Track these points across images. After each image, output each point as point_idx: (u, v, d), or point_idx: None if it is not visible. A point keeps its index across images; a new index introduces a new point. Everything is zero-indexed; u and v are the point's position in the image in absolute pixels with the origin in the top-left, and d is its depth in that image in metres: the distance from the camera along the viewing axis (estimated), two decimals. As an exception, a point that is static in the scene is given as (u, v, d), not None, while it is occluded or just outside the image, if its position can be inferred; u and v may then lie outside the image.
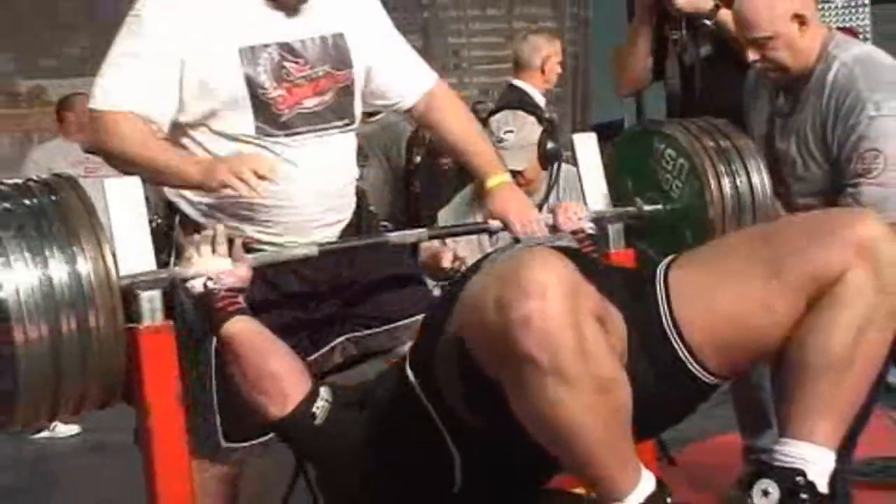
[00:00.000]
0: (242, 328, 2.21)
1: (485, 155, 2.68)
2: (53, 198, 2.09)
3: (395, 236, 2.51)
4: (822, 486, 1.91)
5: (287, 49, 2.41)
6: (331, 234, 2.52)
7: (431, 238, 2.57)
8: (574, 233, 2.59)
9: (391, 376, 2.23)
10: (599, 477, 1.84)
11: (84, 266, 2.03)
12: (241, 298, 2.25)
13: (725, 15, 3.08)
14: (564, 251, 2.21)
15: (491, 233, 2.69)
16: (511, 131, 3.57)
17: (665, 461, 3.60)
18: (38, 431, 5.19)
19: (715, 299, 2.01)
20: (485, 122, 3.58)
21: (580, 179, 2.78)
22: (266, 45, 2.39)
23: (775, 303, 1.96)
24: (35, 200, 2.08)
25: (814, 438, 1.92)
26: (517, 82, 4.63)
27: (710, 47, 3.20)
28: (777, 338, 2.00)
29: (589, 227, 2.61)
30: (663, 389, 2.01)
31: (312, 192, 2.46)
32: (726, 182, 2.71)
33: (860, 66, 2.66)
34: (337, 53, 2.47)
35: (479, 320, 1.81)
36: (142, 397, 2.17)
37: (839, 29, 5.08)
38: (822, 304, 1.92)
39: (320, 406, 2.16)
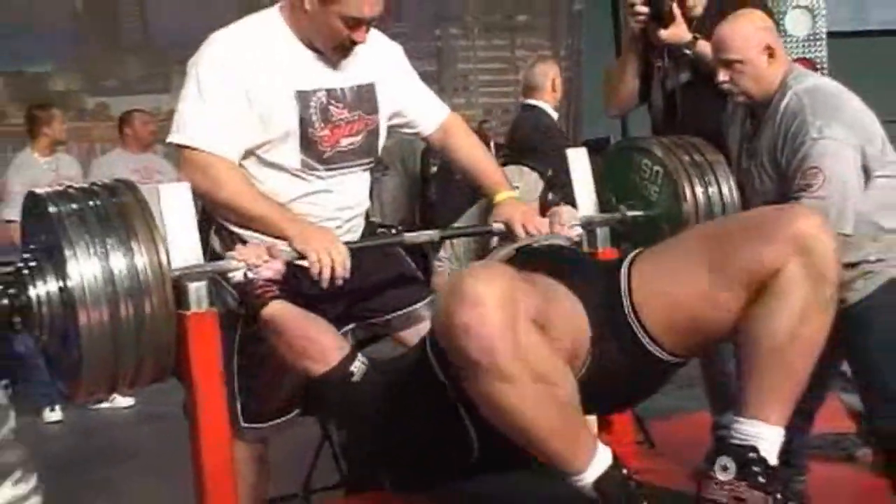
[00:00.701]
0: (281, 307, 2.21)
1: (492, 175, 2.68)
2: (114, 200, 2.09)
3: (410, 236, 2.51)
4: (773, 460, 1.91)
5: (332, 94, 2.44)
6: (352, 240, 2.53)
7: (443, 238, 2.56)
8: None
9: (416, 351, 2.22)
10: (555, 458, 1.85)
11: (140, 259, 2.04)
12: (276, 288, 2.25)
13: (703, 46, 3.07)
14: (551, 249, 2.23)
15: (495, 234, 2.67)
16: (517, 186, 3.44)
17: (647, 444, 3.59)
18: (99, 402, 5.20)
19: (668, 290, 2.03)
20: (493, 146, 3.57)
21: (573, 188, 2.78)
22: (316, 91, 2.42)
23: (720, 293, 1.97)
24: (99, 202, 2.08)
25: (764, 417, 1.92)
26: (532, 101, 4.62)
27: (690, 74, 3.18)
28: (723, 323, 2.00)
29: (576, 235, 2.61)
30: (628, 368, 2.03)
31: (338, 214, 2.51)
32: (699, 191, 2.73)
33: (808, 96, 2.66)
34: (368, 101, 2.51)
35: (435, 327, 1.84)
36: (189, 374, 2.17)
37: (800, 60, 5.08)
38: (765, 294, 1.92)
39: (358, 366, 2.16)
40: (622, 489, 1.84)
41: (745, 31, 2.74)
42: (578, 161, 2.78)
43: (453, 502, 2.23)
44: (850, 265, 2.67)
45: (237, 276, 2.23)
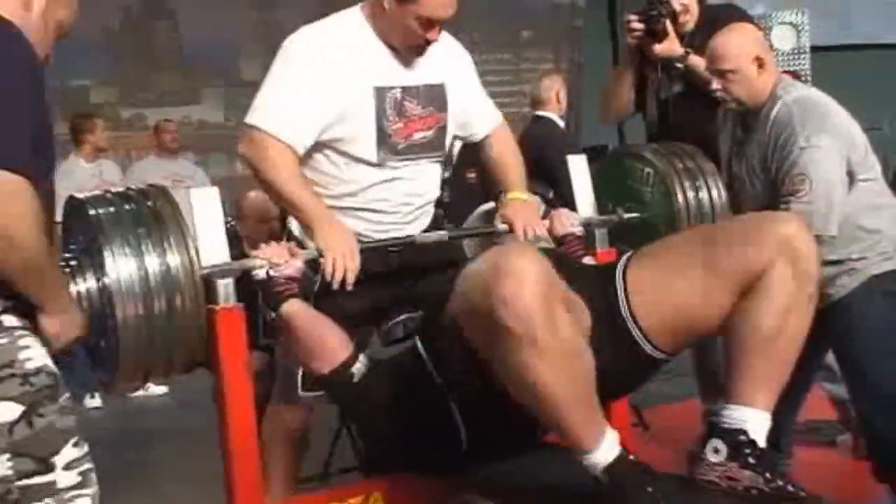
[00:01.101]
0: (297, 308, 2.22)
1: (512, 174, 2.67)
2: (149, 203, 2.10)
3: (420, 236, 2.48)
4: (761, 442, 1.93)
5: (407, 91, 2.43)
6: (419, 228, 2.54)
7: (451, 238, 2.53)
8: (566, 236, 2.58)
9: (410, 349, 2.24)
10: (569, 431, 1.86)
11: (172, 258, 2.04)
12: (296, 286, 2.25)
13: (694, 59, 3.08)
14: (546, 251, 2.22)
15: (498, 234, 2.64)
16: None
17: (641, 427, 3.59)
18: (135, 391, 5.20)
19: (664, 292, 2.04)
20: None
21: (573, 192, 2.78)
22: (392, 87, 2.41)
23: (712, 294, 2.00)
24: (134, 205, 2.09)
25: (752, 403, 1.95)
26: (540, 113, 4.64)
27: (682, 85, 3.19)
28: (714, 321, 2.03)
29: (578, 231, 2.61)
30: (623, 363, 2.04)
31: (410, 200, 2.50)
32: (691, 195, 2.73)
33: (797, 106, 2.66)
34: (438, 99, 2.50)
35: (469, 301, 1.84)
36: (217, 364, 2.17)
37: (785, 73, 5.07)
38: (753, 292, 1.96)
39: (358, 368, 2.18)
40: (633, 474, 1.84)
41: (738, 43, 2.74)
42: (578, 167, 2.78)
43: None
44: (835, 262, 2.68)
45: (260, 273, 2.23)
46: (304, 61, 2.37)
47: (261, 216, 3.29)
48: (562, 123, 4.65)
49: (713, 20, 3.06)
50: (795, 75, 5.32)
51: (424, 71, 2.47)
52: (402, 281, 2.50)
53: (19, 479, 1.50)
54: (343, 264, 2.27)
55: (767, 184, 2.72)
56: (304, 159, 2.41)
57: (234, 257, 2.29)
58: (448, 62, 2.54)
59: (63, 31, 1.77)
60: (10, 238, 1.50)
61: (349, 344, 2.22)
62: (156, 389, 5.26)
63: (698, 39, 3.09)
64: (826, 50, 6.50)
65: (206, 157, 7.55)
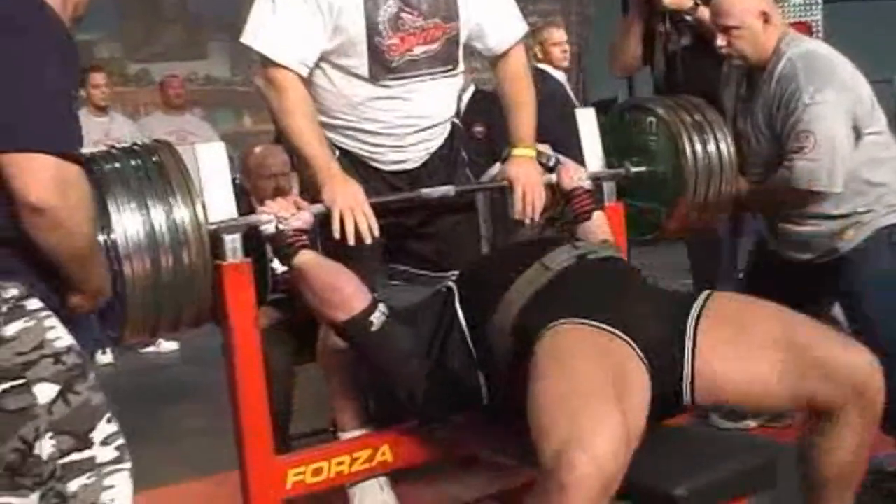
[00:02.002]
0: (309, 258, 2.21)
1: (523, 127, 2.56)
2: (154, 159, 2.08)
3: (425, 191, 2.44)
4: None
5: (406, 2, 2.31)
6: (419, 156, 2.46)
7: (457, 193, 2.50)
8: (574, 189, 2.55)
9: (439, 303, 2.23)
10: None
11: (179, 214, 2.04)
12: (306, 238, 2.24)
13: (703, 11, 3.04)
14: (608, 266, 2.20)
15: (503, 190, 2.59)
16: None
17: None
18: (146, 346, 5.24)
19: (732, 375, 2.02)
20: None
21: (569, 153, 2.76)
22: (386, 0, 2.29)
23: (777, 398, 2.03)
24: (140, 161, 2.08)
25: None
26: (538, 66, 4.55)
27: (690, 38, 3.16)
28: (764, 410, 2.23)
29: (587, 185, 2.57)
30: (654, 414, 1.97)
31: (411, 122, 2.39)
32: (699, 148, 2.70)
33: (802, 62, 2.63)
34: (446, 7, 2.36)
35: (537, 442, 1.76)
36: (226, 320, 2.18)
37: (795, 23, 5.02)
38: (825, 429, 2.01)
39: (377, 317, 2.16)
40: None
41: None
42: (587, 120, 2.76)
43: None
44: (842, 216, 2.68)
45: (269, 228, 2.22)
46: None
47: (266, 171, 3.28)
48: (561, 77, 4.55)
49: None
50: (806, 26, 5.29)
51: None
52: (411, 216, 2.46)
53: (61, 456, 1.52)
54: (352, 218, 2.23)
55: (772, 140, 2.70)
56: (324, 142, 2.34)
57: (242, 213, 2.29)
58: None
59: (79, 12, 1.76)
60: (66, 228, 1.52)
61: (367, 292, 2.20)
62: (167, 346, 5.30)
63: (708, -8, 3.06)
64: (839, 0, 6.43)
65: (213, 112, 7.53)
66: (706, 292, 2.12)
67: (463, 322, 2.17)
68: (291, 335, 2.90)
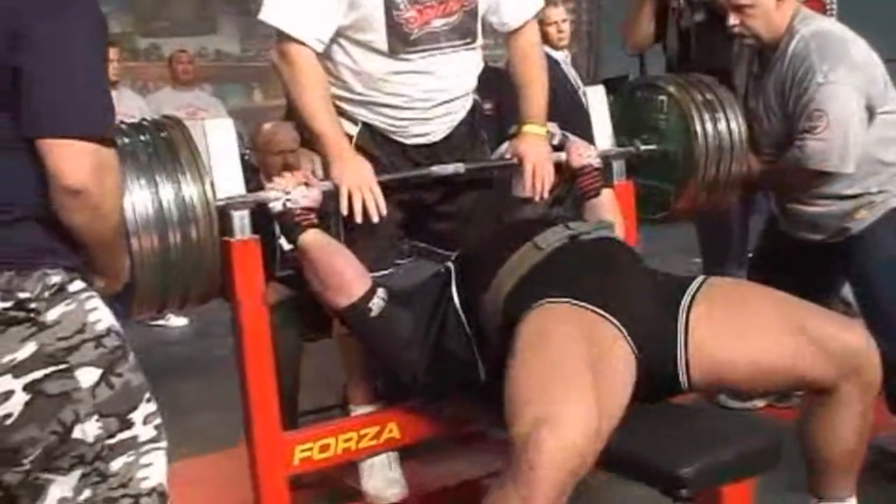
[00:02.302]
0: (314, 239, 2.21)
1: (534, 105, 2.55)
2: (163, 135, 2.09)
3: (436, 169, 2.42)
4: None
5: None
6: (442, 129, 2.43)
7: (467, 170, 2.49)
8: (583, 167, 2.54)
9: (437, 284, 2.24)
10: None
11: (187, 190, 2.04)
12: (313, 216, 2.24)
13: (718, -14, 3.03)
14: (602, 245, 2.18)
15: (511, 167, 2.57)
16: None
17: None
18: (155, 321, 5.25)
19: (728, 356, 2.02)
20: None
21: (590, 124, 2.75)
22: None
23: (773, 376, 2.05)
24: (148, 137, 2.08)
25: (844, 496, 2.12)
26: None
27: (703, 15, 3.13)
28: (756, 390, 2.29)
29: (596, 163, 2.56)
30: (649, 396, 1.98)
31: (431, 96, 2.37)
32: (709, 127, 2.69)
33: (815, 41, 2.61)
34: None
35: (509, 421, 1.78)
36: (234, 296, 2.19)
37: (809, 0, 4.97)
38: (825, 407, 2.04)
39: (376, 303, 2.18)
40: None
41: None
42: (596, 97, 2.75)
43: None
44: (854, 196, 2.67)
45: (276, 206, 2.22)
46: None
47: (275, 148, 3.28)
48: (560, 56, 4.45)
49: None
50: (821, 4, 5.24)
51: None
52: (431, 193, 2.46)
53: (108, 437, 1.54)
54: (360, 196, 2.24)
55: (784, 120, 2.69)
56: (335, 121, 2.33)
57: (251, 189, 2.29)
58: None
59: None
60: (98, 212, 1.52)
61: (367, 277, 2.21)
62: (176, 321, 5.31)
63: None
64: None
65: (223, 88, 7.51)
66: (702, 276, 2.12)
67: (457, 302, 2.18)
68: (300, 311, 2.90)
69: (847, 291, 2.98)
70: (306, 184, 2.25)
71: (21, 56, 1.45)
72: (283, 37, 2.28)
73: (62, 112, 1.48)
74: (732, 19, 2.71)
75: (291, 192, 2.22)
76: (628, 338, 1.94)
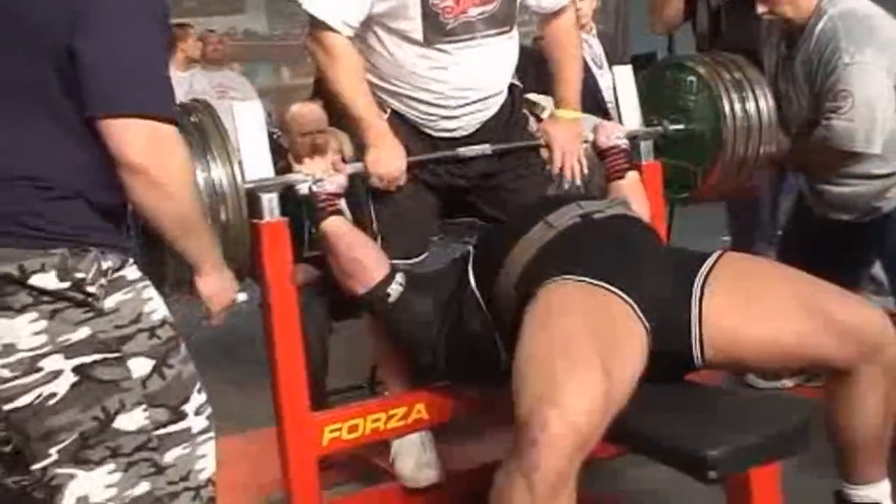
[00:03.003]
0: (336, 225, 2.24)
1: (569, 89, 2.54)
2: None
3: (462, 150, 2.41)
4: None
5: None
6: (470, 124, 2.42)
7: (494, 152, 2.48)
8: (611, 148, 2.53)
9: (456, 268, 2.25)
10: None
11: (217, 173, 2.05)
12: (338, 201, 2.25)
13: (748, -34, 2.99)
14: (614, 223, 2.16)
15: (539, 148, 2.55)
16: None
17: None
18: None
19: (742, 334, 1.99)
20: None
21: (617, 104, 2.73)
22: None
23: (788, 354, 2.00)
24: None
25: (875, 479, 2.07)
26: None
27: (734, -6, 3.10)
28: (775, 367, 2.25)
29: (623, 144, 2.54)
30: (664, 373, 1.96)
31: (464, 96, 2.36)
32: (738, 106, 2.66)
33: (842, 21, 2.58)
34: None
35: (515, 398, 1.76)
36: (263, 278, 2.20)
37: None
38: (847, 390, 1.99)
39: (394, 288, 2.21)
40: None
41: None
42: (624, 77, 2.73)
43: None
44: (885, 175, 2.64)
45: (303, 188, 2.23)
46: None
47: (303, 129, 3.28)
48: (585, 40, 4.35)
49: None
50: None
51: None
52: (465, 177, 2.45)
53: (156, 428, 1.55)
54: (385, 186, 2.29)
55: (812, 100, 2.67)
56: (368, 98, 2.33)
57: (280, 170, 2.29)
58: None
59: None
60: (162, 189, 1.53)
61: (385, 264, 2.24)
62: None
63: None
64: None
65: (251, 67, 7.52)
66: (717, 252, 2.10)
67: (474, 284, 2.18)
68: (328, 292, 2.91)
69: (877, 270, 2.96)
70: (334, 168, 2.26)
71: (79, 36, 1.46)
72: (315, 22, 2.28)
73: (119, 90, 1.48)
74: (760, 7, 2.68)
75: (318, 176, 2.24)
76: (640, 314, 1.92)
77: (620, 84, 2.72)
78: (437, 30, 2.27)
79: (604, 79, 3.67)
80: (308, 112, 3.29)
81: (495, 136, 2.45)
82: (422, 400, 2.36)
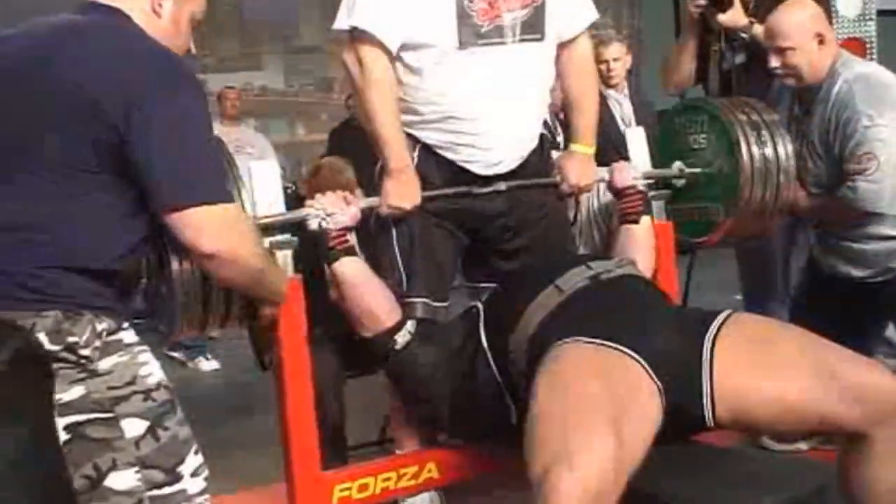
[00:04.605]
0: (348, 268, 2.23)
1: (585, 121, 2.51)
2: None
3: (477, 189, 2.36)
4: None
5: None
6: (508, 158, 2.37)
7: (509, 189, 2.44)
8: (628, 188, 2.51)
9: (467, 324, 2.24)
10: None
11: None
12: (350, 236, 2.24)
13: (758, 29, 3.00)
14: (623, 284, 2.15)
15: (556, 186, 2.52)
16: None
17: None
18: (185, 364, 5.12)
19: (755, 394, 1.95)
20: None
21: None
22: None
23: (800, 417, 1.95)
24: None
25: None
26: None
27: (745, 56, 3.12)
28: (790, 430, 2.18)
29: (640, 184, 2.52)
30: (674, 433, 1.94)
31: (501, 99, 2.31)
32: (755, 149, 2.60)
33: (858, 84, 2.60)
34: None
35: (527, 458, 1.75)
36: (276, 335, 2.16)
37: (849, 39, 4.93)
38: (865, 456, 1.92)
39: (402, 335, 2.20)
40: None
41: (798, 19, 2.68)
42: (636, 140, 2.72)
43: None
44: None
45: (313, 224, 2.21)
46: None
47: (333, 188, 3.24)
48: (611, 93, 4.36)
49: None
50: (860, 43, 5.19)
51: None
52: (489, 224, 2.42)
53: (150, 489, 1.54)
54: (405, 203, 2.27)
55: (829, 162, 2.67)
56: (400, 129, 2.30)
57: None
58: None
59: (196, 22, 1.79)
60: (239, 263, 1.62)
61: (397, 311, 2.23)
62: (207, 365, 5.11)
63: (763, 10, 3.02)
64: (893, 15, 6.31)
65: (267, 123, 7.58)
66: (727, 311, 2.07)
67: (485, 344, 2.17)
68: (342, 346, 2.87)
69: (892, 332, 2.92)
70: (346, 202, 2.24)
71: (137, 134, 1.51)
72: (358, 36, 2.25)
73: (184, 183, 1.53)
74: (774, 61, 2.69)
75: (330, 210, 2.21)
76: (652, 374, 1.90)
77: (632, 144, 2.71)
78: (471, 33, 2.26)
79: None
80: (337, 176, 3.20)
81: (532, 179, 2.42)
82: (433, 459, 2.33)
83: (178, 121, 1.54)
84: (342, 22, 2.28)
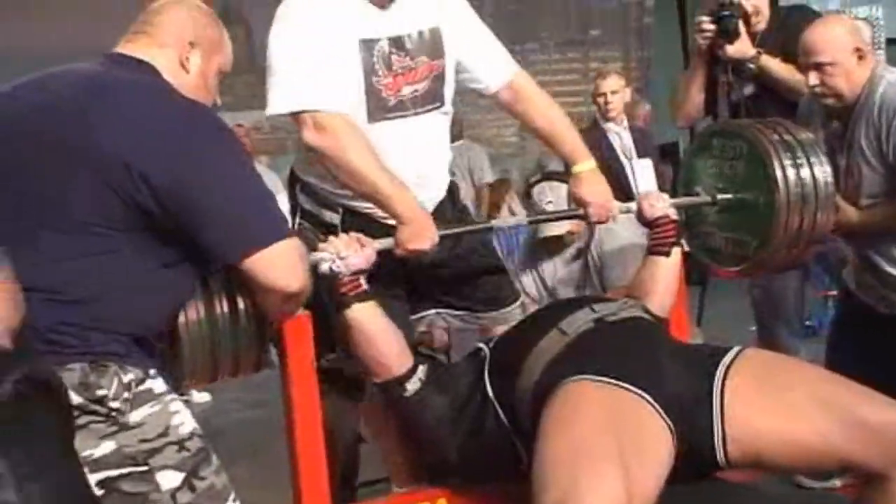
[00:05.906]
0: (361, 315, 2.17)
1: (570, 143, 2.48)
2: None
3: (498, 222, 2.36)
4: None
5: (395, 42, 2.27)
6: (425, 200, 2.37)
7: (530, 223, 2.39)
8: (660, 218, 2.42)
9: (472, 370, 2.21)
10: None
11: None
12: (362, 280, 2.18)
13: (766, 60, 3.00)
14: (627, 326, 2.12)
15: (580, 217, 2.53)
16: (550, 202, 3.13)
17: None
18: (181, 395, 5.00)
19: (767, 434, 1.91)
20: (528, 194, 3.29)
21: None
22: (378, 39, 2.26)
23: (816, 456, 1.90)
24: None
25: None
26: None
27: (753, 87, 3.10)
28: (803, 469, 2.10)
29: (672, 213, 2.43)
30: (687, 474, 1.90)
31: (409, 167, 2.31)
32: (791, 172, 2.42)
33: None
34: (433, 45, 2.32)
35: (536, 498, 1.73)
36: (285, 372, 2.15)
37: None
38: (887, 496, 1.86)
39: (413, 382, 2.16)
40: None
41: (835, 34, 2.60)
42: (643, 171, 2.71)
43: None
44: None
45: (323, 266, 2.13)
46: (299, 30, 2.22)
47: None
48: (610, 126, 4.33)
49: (784, 21, 3.01)
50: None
51: (413, 17, 2.31)
52: (429, 278, 2.44)
53: None
54: (425, 242, 2.25)
55: (885, 168, 2.57)
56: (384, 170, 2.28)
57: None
58: (441, 3, 2.37)
59: (223, 75, 1.78)
60: (302, 297, 1.68)
61: (408, 358, 2.19)
62: (199, 397, 5.08)
63: (770, 40, 3.03)
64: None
65: (277, 160, 7.61)
66: (736, 348, 2.03)
67: (490, 389, 2.14)
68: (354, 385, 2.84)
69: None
70: (360, 244, 2.19)
71: (186, 195, 1.51)
72: (305, 116, 2.22)
73: (253, 228, 1.55)
74: (812, 78, 2.61)
75: (343, 253, 2.15)
76: (663, 413, 1.86)
77: (640, 176, 2.69)
78: (379, 107, 2.28)
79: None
80: None
81: (445, 220, 2.41)
82: (443, 496, 2.28)
83: (226, 172, 1.54)
84: (277, 107, 2.25)
